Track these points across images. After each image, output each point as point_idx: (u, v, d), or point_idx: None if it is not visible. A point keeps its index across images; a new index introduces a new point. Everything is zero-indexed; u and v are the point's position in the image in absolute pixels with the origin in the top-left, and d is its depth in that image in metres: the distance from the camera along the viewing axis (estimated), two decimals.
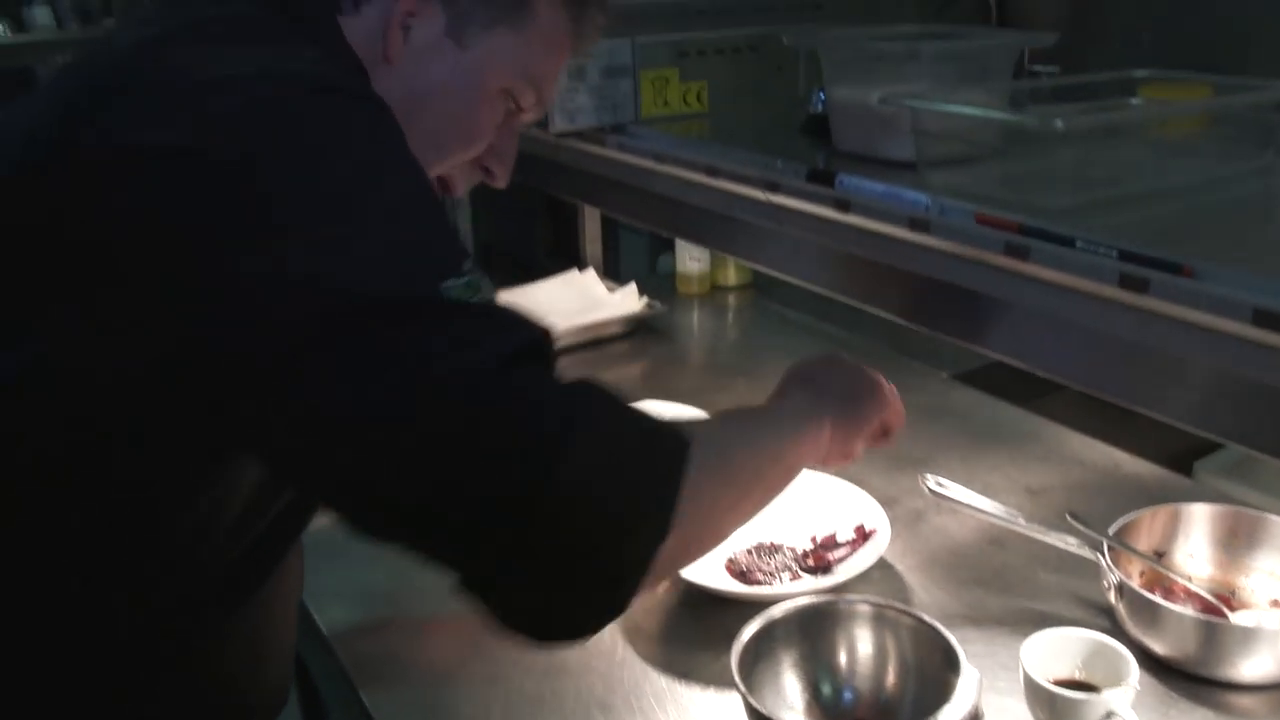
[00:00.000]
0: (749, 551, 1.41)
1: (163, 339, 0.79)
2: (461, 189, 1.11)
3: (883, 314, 1.10)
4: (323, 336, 0.75)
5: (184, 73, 0.83)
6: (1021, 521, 1.36)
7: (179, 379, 0.80)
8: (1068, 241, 0.86)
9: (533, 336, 0.80)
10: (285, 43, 0.92)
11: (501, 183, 1.11)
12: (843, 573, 1.34)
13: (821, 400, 1.10)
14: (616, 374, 2.11)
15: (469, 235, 6.79)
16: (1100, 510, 1.49)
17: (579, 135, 1.44)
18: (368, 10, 0.98)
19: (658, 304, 2.31)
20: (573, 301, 2.35)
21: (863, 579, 1.34)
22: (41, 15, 5.72)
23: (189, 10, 0.94)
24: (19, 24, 5.70)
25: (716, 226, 1.30)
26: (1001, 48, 1.16)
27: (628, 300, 2.32)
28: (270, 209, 0.78)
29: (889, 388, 1.18)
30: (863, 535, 1.40)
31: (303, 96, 0.83)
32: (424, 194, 0.86)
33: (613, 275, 2.52)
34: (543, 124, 1.40)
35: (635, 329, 2.28)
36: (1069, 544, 1.32)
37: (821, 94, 1.29)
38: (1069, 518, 1.31)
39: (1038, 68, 1.63)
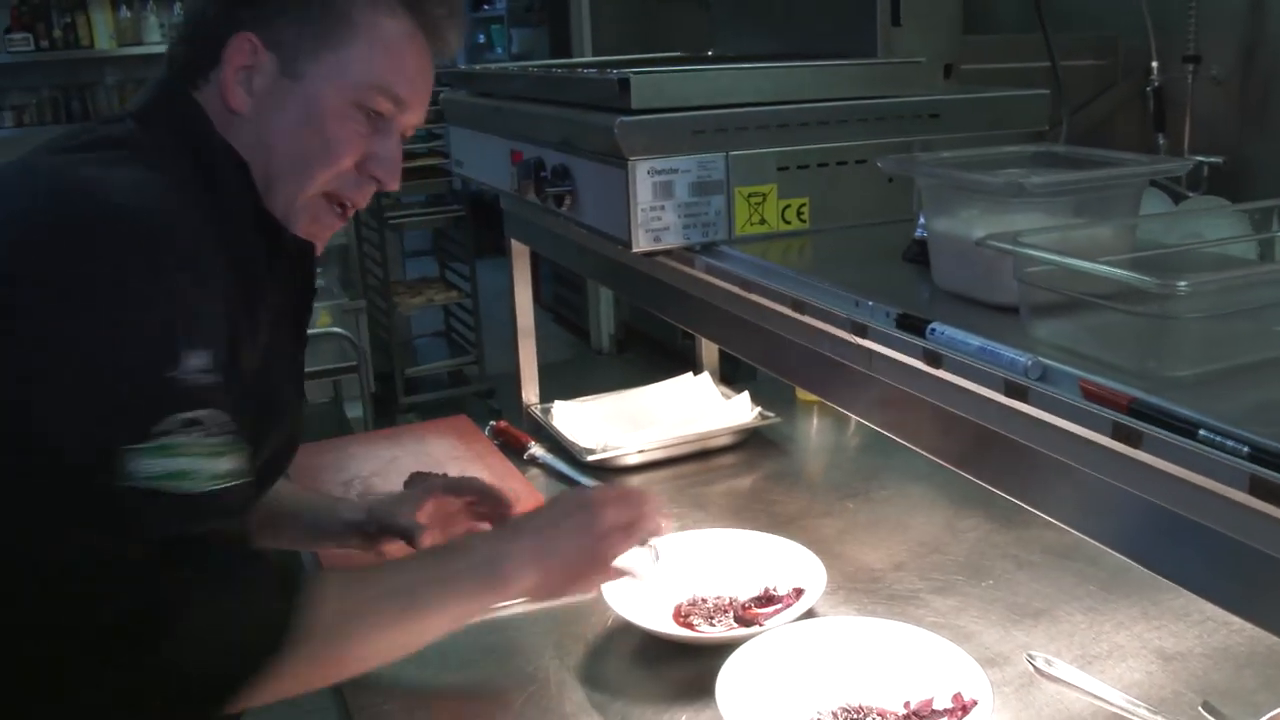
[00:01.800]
0: (834, 714, 1.28)
1: None
2: (363, 202, 1.20)
3: (979, 481, 0.97)
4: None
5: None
6: (1143, 711, 1.19)
7: None
8: (1188, 430, 0.72)
9: (182, 520, 0.95)
10: (134, 148, 1.08)
11: (392, 185, 1.19)
12: None
13: (518, 546, 1.21)
14: (720, 489, 1.99)
15: (610, 316, 6.79)
16: (1248, 687, 1.32)
17: (666, 253, 1.34)
18: (214, 76, 1.14)
19: (771, 415, 2.19)
20: (683, 409, 2.24)
21: None
22: None
23: (90, 124, 1.15)
24: None
25: (805, 363, 1.18)
26: (1123, 178, 1.02)
27: (739, 410, 2.20)
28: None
29: (610, 510, 1.24)
30: (962, 706, 1.25)
31: (64, 222, 0.97)
32: (136, 346, 0.96)
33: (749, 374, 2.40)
34: (625, 242, 1.31)
35: (746, 440, 2.16)
36: None
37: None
38: (1203, 710, 1.14)
39: (1200, 158, 1.49)
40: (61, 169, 1.04)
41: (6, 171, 1.06)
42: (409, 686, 1.44)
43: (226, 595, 0.98)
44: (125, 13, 5.57)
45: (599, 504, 1.26)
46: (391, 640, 1.11)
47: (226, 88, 1.13)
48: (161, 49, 5.76)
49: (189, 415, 0.95)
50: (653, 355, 6.66)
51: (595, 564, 1.25)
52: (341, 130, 1.14)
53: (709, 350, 2.49)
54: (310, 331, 1.38)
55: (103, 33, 5.57)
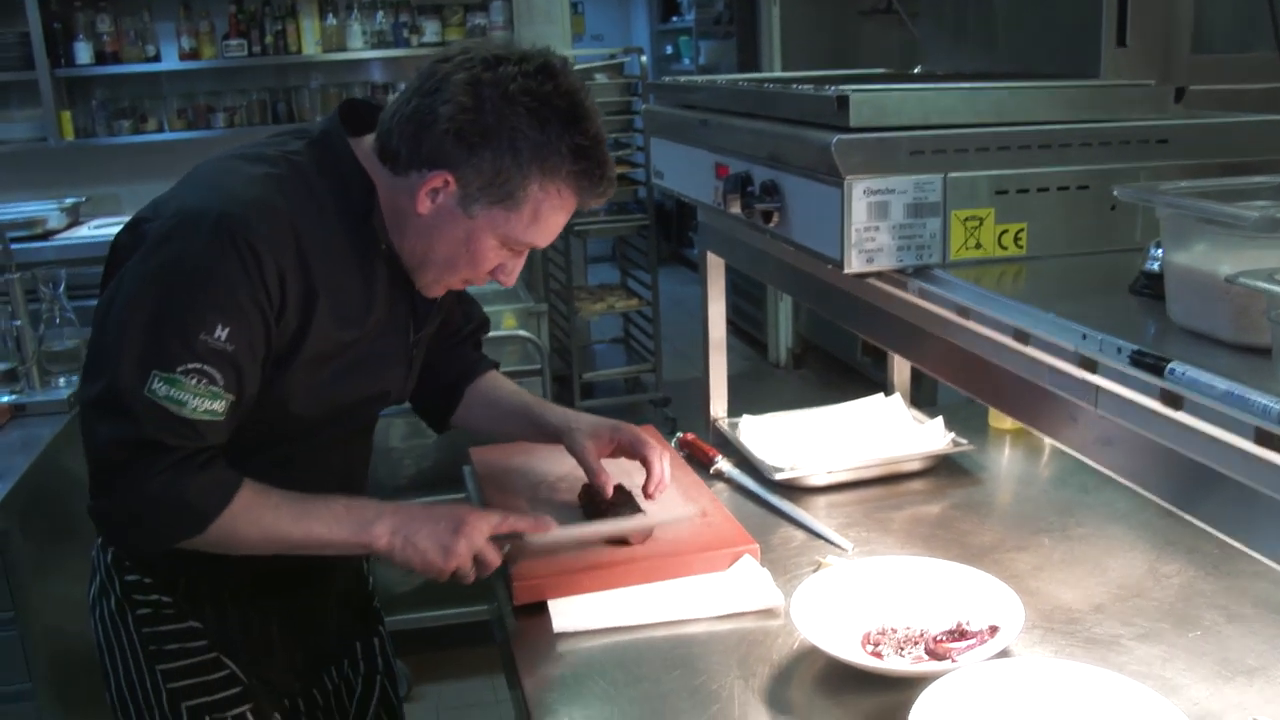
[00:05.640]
0: None
1: None
2: (483, 283, 1.58)
3: (1212, 530, 0.92)
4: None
5: (186, 181, 1.50)
6: None
7: None
8: None
9: (171, 430, 1.39)
10: (292, 166, 1.49)
11: (508, 284, 1.59)
12: None
13: (389, 513, 1.54)
14: (907, 515, 1.95)
15: (788, 330, 6.75)
16: None
17: (878, 274, 1.31)
18: (412, 174, 1.46)
19: (964, 441, 2.13)
20: (873, 431, 2.20)
21: None
22: None
23: (279, 137, 1.56)
24: None
25: (1025, 395, 1.14)
26: None
27: (932, 435, 2.15)
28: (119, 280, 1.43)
29: (473, 529, 1.55)
30: None
31: (188, 212, 1.41)
32: (187, 310, 1.38)
33: (929, 398, 2.35)
34: (837, 261, 1.29)
35: (936, 466, 2.11)
36: None
37: (1158, 250, 1.11)
38: None
39: None
40: (220, 175, 1.47)
41: (202, 168, 1.51)
42: (592, 696, 1.44)
43: (184, 482, 1.42)
44: (331, 20, 5.77)
45: (470, 521, 1.55)
46: (274, 542, 1.49)
47: (417, 196, 1.46)
48: (363, 55, 5.97)
49: (200, 366, 1.38)
50: (829, 371, 6.59)
51: (441, 556, 1.53)
52: (487, 254, 1.52)
53: (900, 371, 2.45)
54: (497, 334, 1.67)
55: (310, 39, 5.78)
